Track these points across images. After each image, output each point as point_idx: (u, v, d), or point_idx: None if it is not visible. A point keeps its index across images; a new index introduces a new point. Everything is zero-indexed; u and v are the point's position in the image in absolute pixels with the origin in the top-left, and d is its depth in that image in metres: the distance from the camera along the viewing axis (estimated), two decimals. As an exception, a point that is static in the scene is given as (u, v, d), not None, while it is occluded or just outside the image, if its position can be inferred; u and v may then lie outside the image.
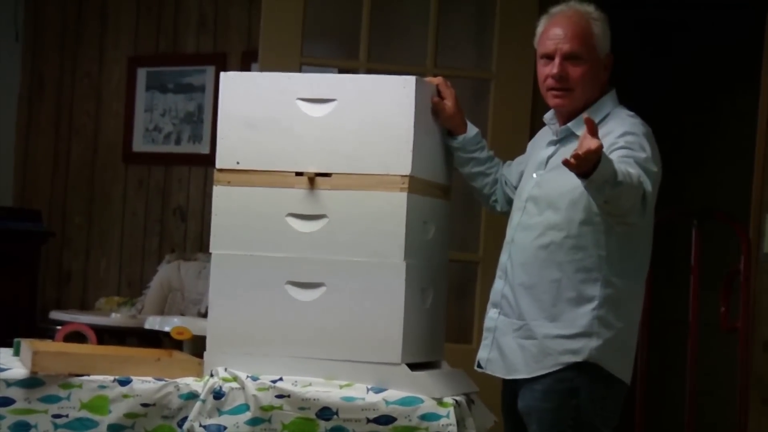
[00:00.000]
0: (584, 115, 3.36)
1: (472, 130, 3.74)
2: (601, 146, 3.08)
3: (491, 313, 3.59)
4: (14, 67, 7.85)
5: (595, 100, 3.51)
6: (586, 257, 3.41)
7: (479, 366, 3.61)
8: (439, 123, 3.69)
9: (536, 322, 3.45)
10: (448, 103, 3.68)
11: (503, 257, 3.58)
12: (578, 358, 3.40)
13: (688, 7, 6.71)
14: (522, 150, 3.82)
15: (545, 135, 3.65)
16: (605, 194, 3.18)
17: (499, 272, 3.59)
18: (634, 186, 3.21)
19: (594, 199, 3.24)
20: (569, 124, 3.51)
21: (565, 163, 3.12)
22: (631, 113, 3.51)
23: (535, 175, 3.55)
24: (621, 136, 3.38)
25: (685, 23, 6.80)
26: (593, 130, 3.10)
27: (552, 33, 3.48)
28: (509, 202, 3.74)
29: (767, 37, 4.67)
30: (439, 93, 3.68)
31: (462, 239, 4.77)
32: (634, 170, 3.24)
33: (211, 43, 7.30)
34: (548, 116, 3.63)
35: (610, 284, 3.42)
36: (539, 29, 3.54)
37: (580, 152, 3.08)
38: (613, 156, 3.28)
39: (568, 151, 3.48)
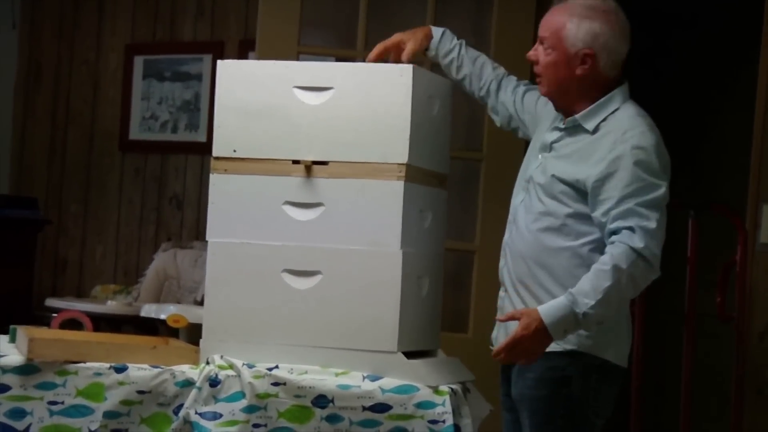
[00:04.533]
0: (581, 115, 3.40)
1: (436, 32, 3.80)
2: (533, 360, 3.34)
3: (500, 292, 3.61)
4: (11, 55, 7.83)
5: (603, 93, 3.48)
6: (582, 245, 3.42)
7: (492, 344, 3.62)
8: (434, 112, 3.69)
9: (533, 307, 3.45)
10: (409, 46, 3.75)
11: (506, 235, 3.60)
12: (568, 346, 3.40)
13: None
14: (521, 143, 3.79)
15: (555, 114, 3.61)
16: (595, 325, 3.34)
17: (502, 251, 3.60)
18: (622, 287, 3.29)
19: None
20: (577, 117, 3.49)
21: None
22: (640, 112, 3.48)
23: (540, 157, 3.55)
24: (630, 180, 3.34)
25: (684, 13, 6.80)
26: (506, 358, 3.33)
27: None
28: (510, 121, 3.79)
29: (765, 26, 4.67)
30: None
31: (458, 228, 4.77)
32: (624, 247, 3.29)
33: (209, 32, 7.29)
34: None
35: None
36: None
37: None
38: (614, 211, 3.32)
39: (574, 142, 3.48)
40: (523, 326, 3.29)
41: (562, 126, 3.54)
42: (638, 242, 3.29)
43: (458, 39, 3.84)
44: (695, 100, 6.86)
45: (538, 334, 3.29)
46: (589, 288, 3.28)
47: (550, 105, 3.65)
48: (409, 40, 3.77)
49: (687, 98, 6.85)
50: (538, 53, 3.52)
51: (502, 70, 3.85)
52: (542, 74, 3.52)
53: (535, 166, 3.55)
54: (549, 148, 3.54)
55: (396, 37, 3.79)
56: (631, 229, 3.30)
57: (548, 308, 3.30)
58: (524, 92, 3.78)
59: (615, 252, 3.30)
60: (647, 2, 6.62)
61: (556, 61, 3.49)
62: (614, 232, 3.34)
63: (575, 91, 3.49)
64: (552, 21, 3.50)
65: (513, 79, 3.84)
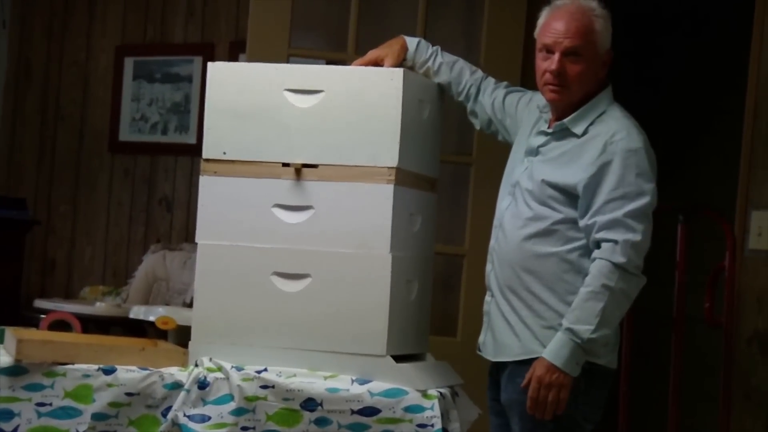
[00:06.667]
0: (574, 117, 3.38)
1: (411, 43, 3.77)
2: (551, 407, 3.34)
3: (486, 297, 3.60)
4: (1, 55, 7.81)
5: (592, 95, 3.47)
6: (570, 250, 3.42)
7: (479, 349, 3.62)
8: (425, 116, 3.69)
9: (522, 312, 3.45)
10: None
11: (492, 241, 3.59)
12: None
13: (676, 3, 6.72)
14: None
15: (537, 116, 3.60)
16: (603, 348, 3.38)
17: (489, 256, 3.60)
18: (616, 304, 3.32)
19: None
20: (566, 121, 3.47)
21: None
22: (626, 114, 3.47)
23: (525, 161, 3.54)
24: (617, 184, 3.35)
25: (678, 17, 6.81)
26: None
27: (553, 27, 3.43)
28: (489, 125, 3.77)
29: (755, 34, 4.67)
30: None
31: (448, 232, 4.77)
32: (606, 264, 3.31)
33: (199, 33, 7.28)
34: (541, 104, 3.59)
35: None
36: (541, 20, 3.50)
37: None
38: (600, 217, 3.33)
39: (561, 146, 3.47)
40: (536, 380, 3.32)
41: (549, 130, 3.53)
42: (620, 257, 3.30)
43: (433, 46, 3.82)
44: (688, 105, 6.86)
45: (556, 379, 3.31)
46: (584, 314, 3.29)
47: (532, 107, 3.64)
48: (387, 55, 3.74)
49: (680, 103, 6.86)
50: (562, 64, 3.41)
51: (479, 73, 3.83)
52: (570, 84, 3.43)
53: (521, 171, 3.54)
54: (535, 152, 3.53)
55: (373, 54, 3.76)
56: (614, 242, 3.31)
57: (552, 351, 3.32)
58: (504, 95, 3.76)
59: (599, 271, 3.31)
60: (642, 5, 6.64)
61: (589, 67, 3.43)
62: (598, 244, 3.34)
63: (588, 93, 3.47)
64: (578, 27, 3.41)
65: (491, 81, 3.81)
